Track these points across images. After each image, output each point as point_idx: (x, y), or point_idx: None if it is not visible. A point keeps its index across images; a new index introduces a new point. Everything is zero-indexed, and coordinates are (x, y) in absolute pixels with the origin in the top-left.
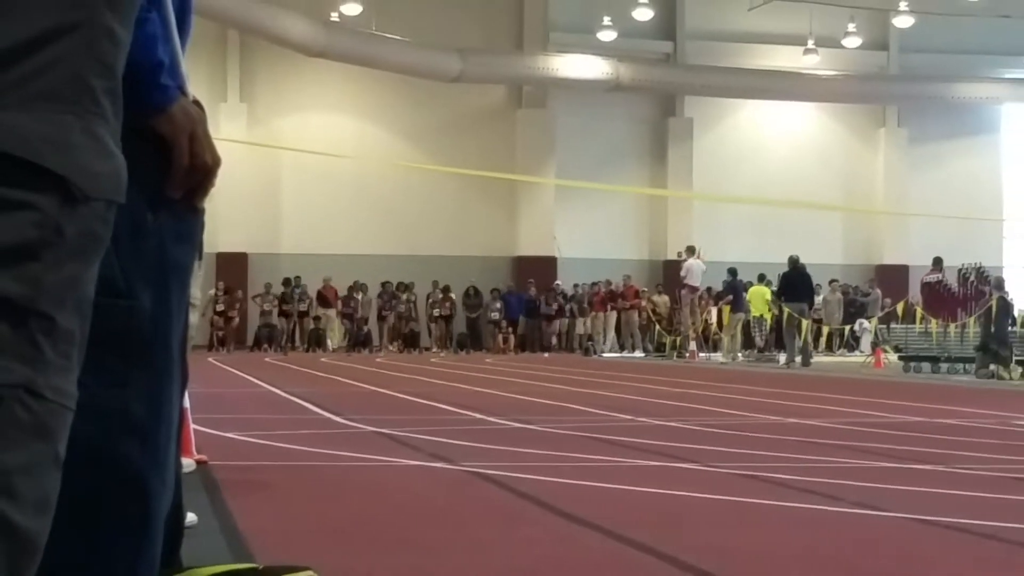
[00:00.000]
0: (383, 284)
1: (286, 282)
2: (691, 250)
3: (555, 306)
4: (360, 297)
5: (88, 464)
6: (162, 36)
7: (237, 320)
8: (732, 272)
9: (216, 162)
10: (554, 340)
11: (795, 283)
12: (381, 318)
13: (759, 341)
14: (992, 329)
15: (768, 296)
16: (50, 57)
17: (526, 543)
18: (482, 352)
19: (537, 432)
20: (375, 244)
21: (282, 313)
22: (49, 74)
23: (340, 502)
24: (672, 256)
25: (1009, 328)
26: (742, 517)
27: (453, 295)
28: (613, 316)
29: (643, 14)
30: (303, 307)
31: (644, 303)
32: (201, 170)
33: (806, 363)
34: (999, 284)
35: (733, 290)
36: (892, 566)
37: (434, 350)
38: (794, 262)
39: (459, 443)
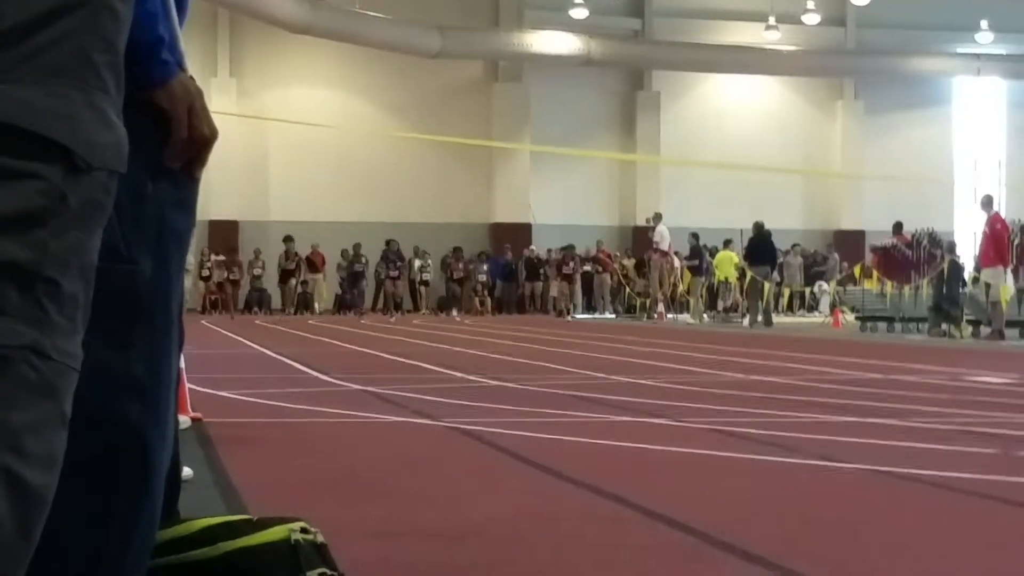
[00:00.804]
0: (387, 243)
1: (287, 239)
2: (658, 217)
3: (571, 266)
4: (364, 260)
5: (92, 422)
6: (162, 14)
7: (240, 284)
8: (695, 237)
9: (213, 134)
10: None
11: (759, 248)
12: (389, 277)
13: (726, 303)
14: (944, 290)
15: (736, 260)
16: (57, 33)
17: (504, 495)
18: (462, 313)
19: (515, 389)
20: (359, 212)
21: (284, 274)
22: (56, 49)
23: (329, 456)
24: (641, 222)
25: (960, 289)
26: (709, 469)
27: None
28: (579, 279)
29: None
30: (291, 267)
31: (616, 266)
32: (199, 141)
33: (768, 323)
34: (951, 248)
35: (697, 254)
36: (849, 514)
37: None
38: (759, 228)
39: (441, 400)
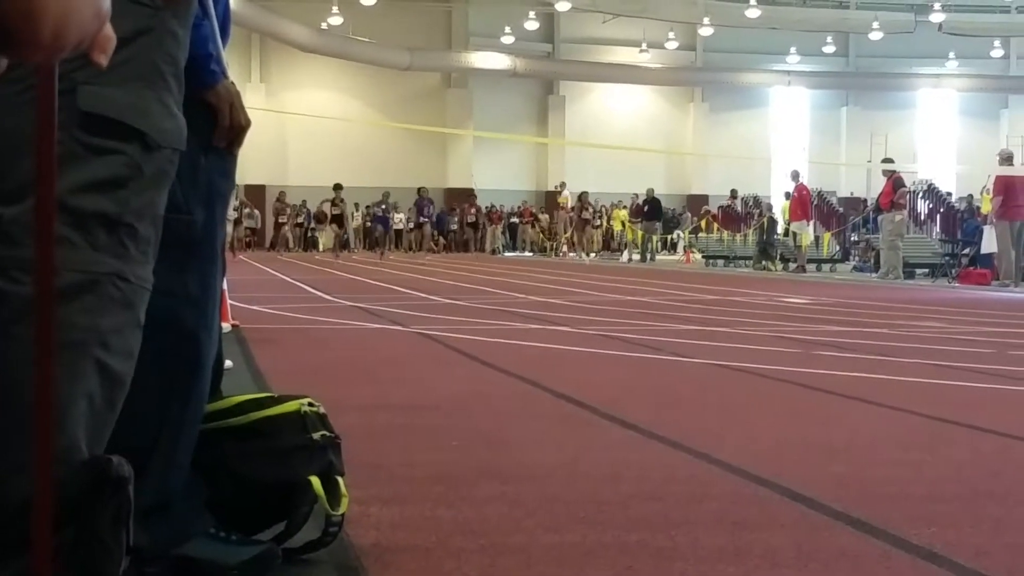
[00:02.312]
0: (419, 190)
1: (337, 187)
2: (563, 185)
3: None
4: (386, 209)
5: (159, 327)
6: (211, 37)
7: (287, 227)
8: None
9: (248, 122)
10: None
11: (651, 209)
12: (418, 226)
13: (616, 246)
14: (764, 237)
15: (624, 217)
16: (134, 50)
17: (454, 380)
18: (422, 252)
19: (462, 306)
20: (353, 178)
21: (334, 219)
22: (133, 62)
23: (328, 352)
24: (551, 188)
25: (775, 236)
26: (597, 362)
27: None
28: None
29: (532, 25)
30: (300, 219)
31: (534, 220)
32: (237, 128)
33: (644, 260)
34: (768, 208)
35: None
36: (696, 395)
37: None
38: (650, 193)
39: (410, 313)
